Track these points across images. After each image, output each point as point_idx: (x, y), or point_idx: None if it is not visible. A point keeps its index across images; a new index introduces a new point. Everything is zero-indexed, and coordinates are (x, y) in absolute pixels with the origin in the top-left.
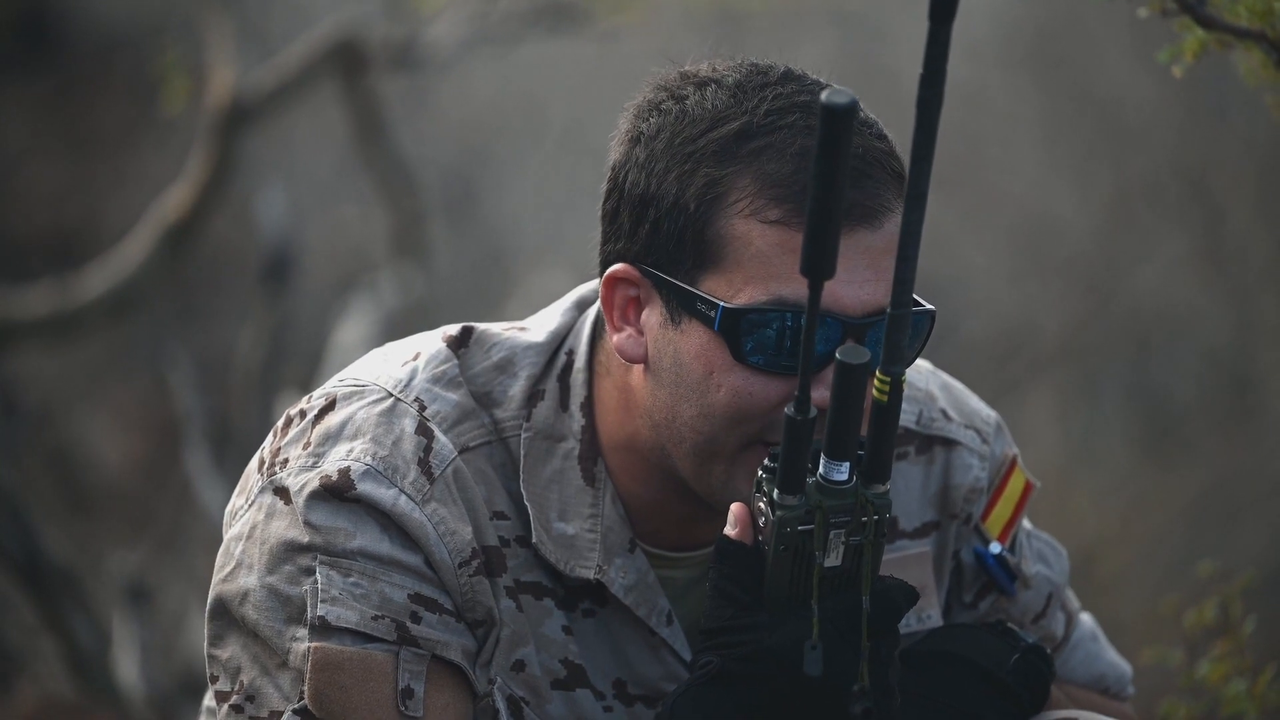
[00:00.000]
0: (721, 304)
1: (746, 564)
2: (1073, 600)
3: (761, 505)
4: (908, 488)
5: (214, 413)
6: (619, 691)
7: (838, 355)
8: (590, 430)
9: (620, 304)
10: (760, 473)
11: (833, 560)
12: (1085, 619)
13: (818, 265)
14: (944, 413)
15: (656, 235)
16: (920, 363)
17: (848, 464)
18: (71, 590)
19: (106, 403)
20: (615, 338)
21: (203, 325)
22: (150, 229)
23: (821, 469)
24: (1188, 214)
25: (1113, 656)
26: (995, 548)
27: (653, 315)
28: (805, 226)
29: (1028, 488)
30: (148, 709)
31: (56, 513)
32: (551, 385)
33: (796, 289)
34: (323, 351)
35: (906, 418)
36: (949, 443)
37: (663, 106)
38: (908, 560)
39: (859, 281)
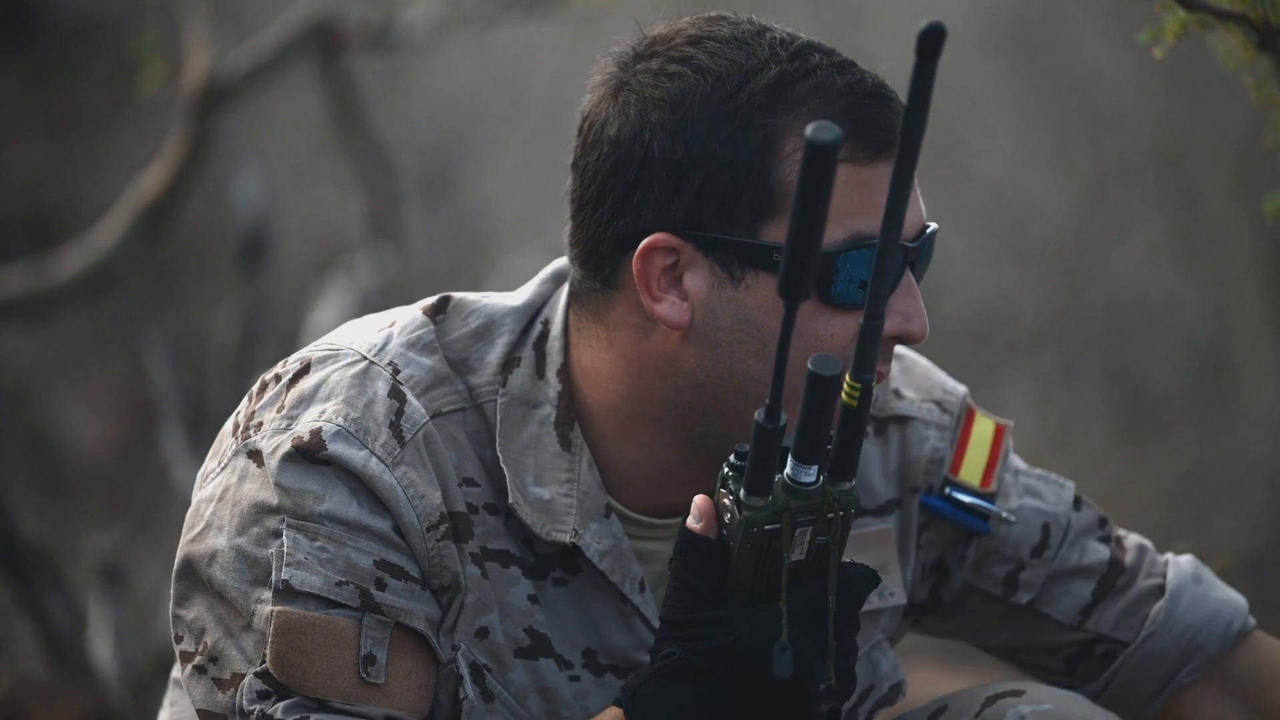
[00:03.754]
0: None
1: (709, 557)
2: (1136, 539)
3: (727, 502)
4: (866, 465)
5: (190, 394)
6: (589, 661)
7: (810, 366)
8: (567, 396)
9: (657, 273)
10: (725, 470)
11: (797, 555)
12: (1185, 561)
13: (795, 287)
14: (896, 392)
15: (704, 197)
16: None
17: (815, 467)
18: (46, 571)
19: (82, 383)
20: (658, 307)
21: (179, 306)
22: (126, 210)
23: (789, 470)
24: (1166, 198)
25: (1222, 593)
26: (950, 490)
27: (697, 278)
28: (785, 251)
29: (999, 429)
30: (122, 690)
31: (32, 494)
32: (527, 353)
33: (870, 222)
34: (299, 333)
35: None
36: (902, 420)
37: (670, 71)
38: (868, 537)
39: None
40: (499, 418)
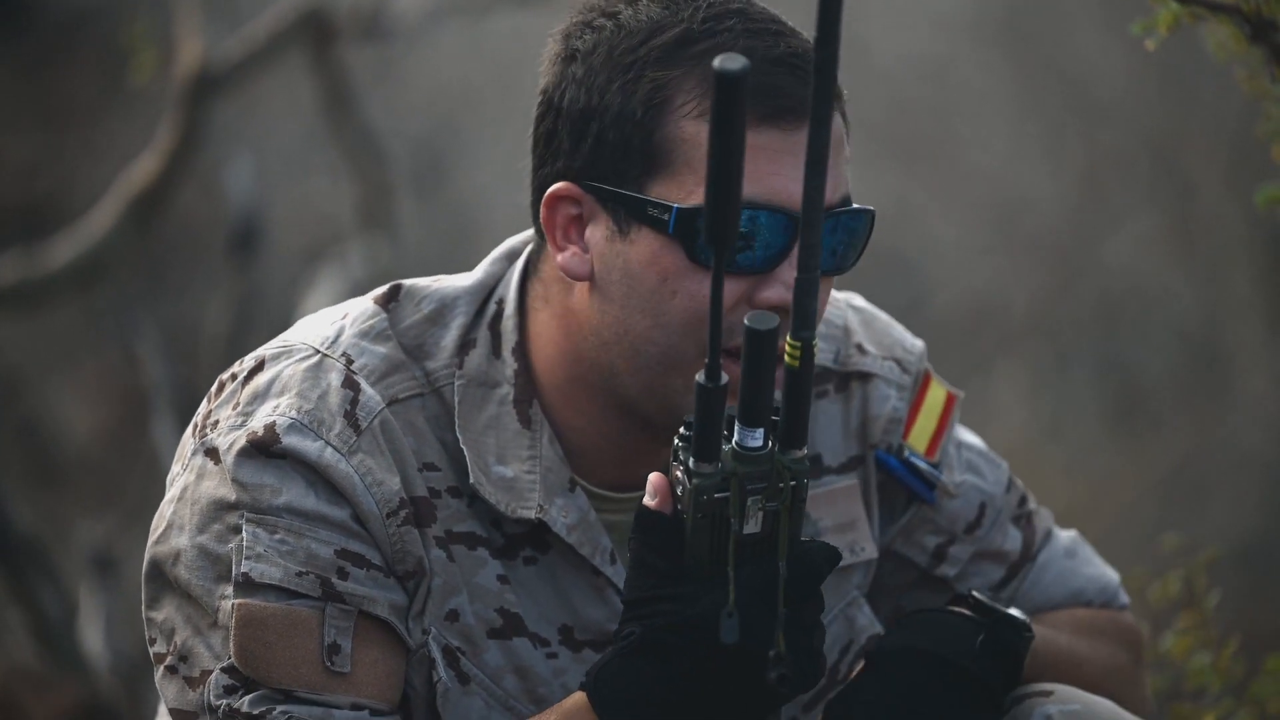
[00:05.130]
0: (675, 205)
1: (666, 534)
2: (1044, 519)
3: (679, 474)
4: (829, 424)
5: (182, 383)
6: (565, 638)
7: (746, 322)
8: (524, 374)
9: (562, 223)
10: (676, 441)
11: (752, 527)
12: (1064, 536)
13: (721, 232)
14: (859, 347)
15: (600, 148)
16: (837, 295)
17: (762, 430)
18: (38, 561)
19: (74, 373)
20: (560, 257)
21: (171, 296)
22: (117, 199)
23: (736, 436)
24: (1158, 189)
25: (1093, 570)
26: (908, 454)
27: (597, 231)
28: (706, 195)
29: (950, 399)
30: (113, 678)
31: (24, 483)
32: (482, 334)
33: (748, 186)
34: (291, 322)
35: (824, 356)
36: (865, 376)
37: (595, 24)
38: (836, 494)
39: None
40: (457, 400)
